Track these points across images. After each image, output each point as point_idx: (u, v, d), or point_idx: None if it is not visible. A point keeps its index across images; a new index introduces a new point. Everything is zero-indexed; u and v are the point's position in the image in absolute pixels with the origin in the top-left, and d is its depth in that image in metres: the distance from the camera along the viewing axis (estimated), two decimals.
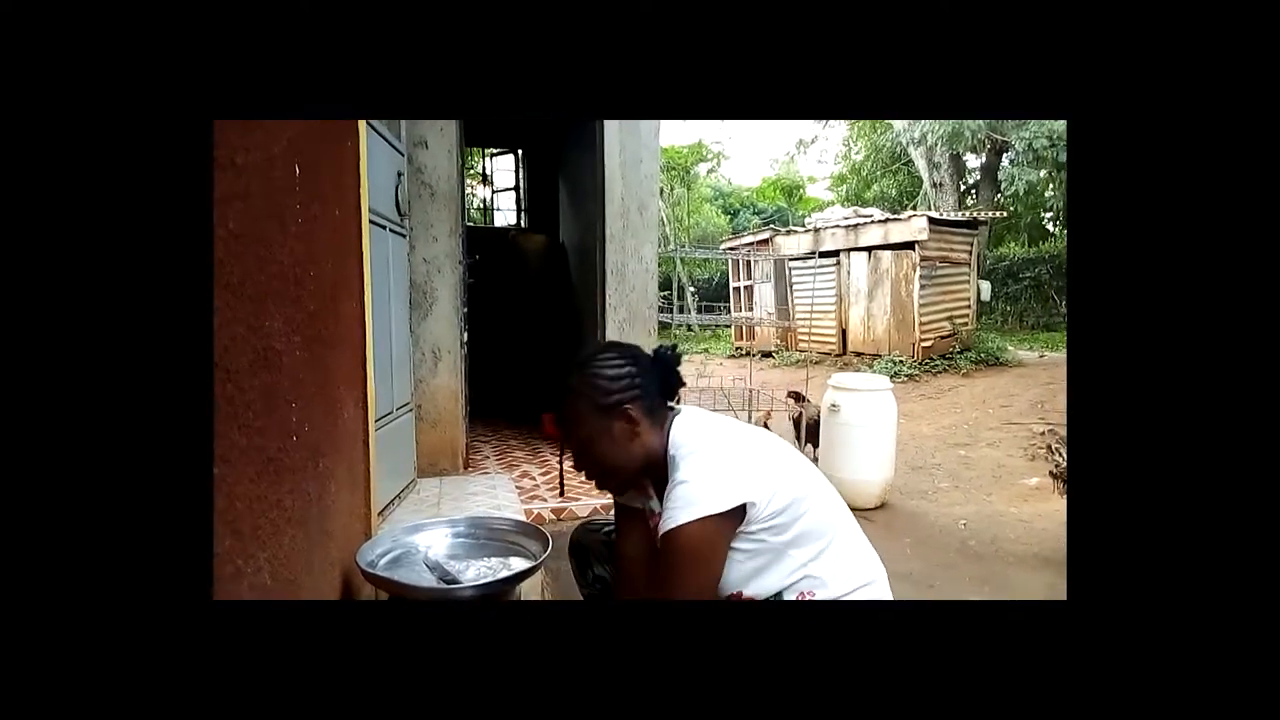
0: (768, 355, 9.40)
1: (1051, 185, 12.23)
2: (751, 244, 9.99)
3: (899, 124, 12.28)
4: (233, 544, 0.88)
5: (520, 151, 6.20)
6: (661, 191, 10.16)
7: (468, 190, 5.61)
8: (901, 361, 7.50)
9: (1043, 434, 4.31)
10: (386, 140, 2.34)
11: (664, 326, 4.62)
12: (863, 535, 1.18)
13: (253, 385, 0.96)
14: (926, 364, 7.45)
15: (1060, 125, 9.24)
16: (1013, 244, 13.74)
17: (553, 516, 2.64)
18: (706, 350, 10.74)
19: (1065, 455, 2.78)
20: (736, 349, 10.22)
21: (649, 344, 3.43)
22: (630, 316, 3.38)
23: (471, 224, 5.48)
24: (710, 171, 19.37)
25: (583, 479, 1.19)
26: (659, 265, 3.78)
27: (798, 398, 3.93)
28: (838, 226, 8.63)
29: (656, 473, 1.15)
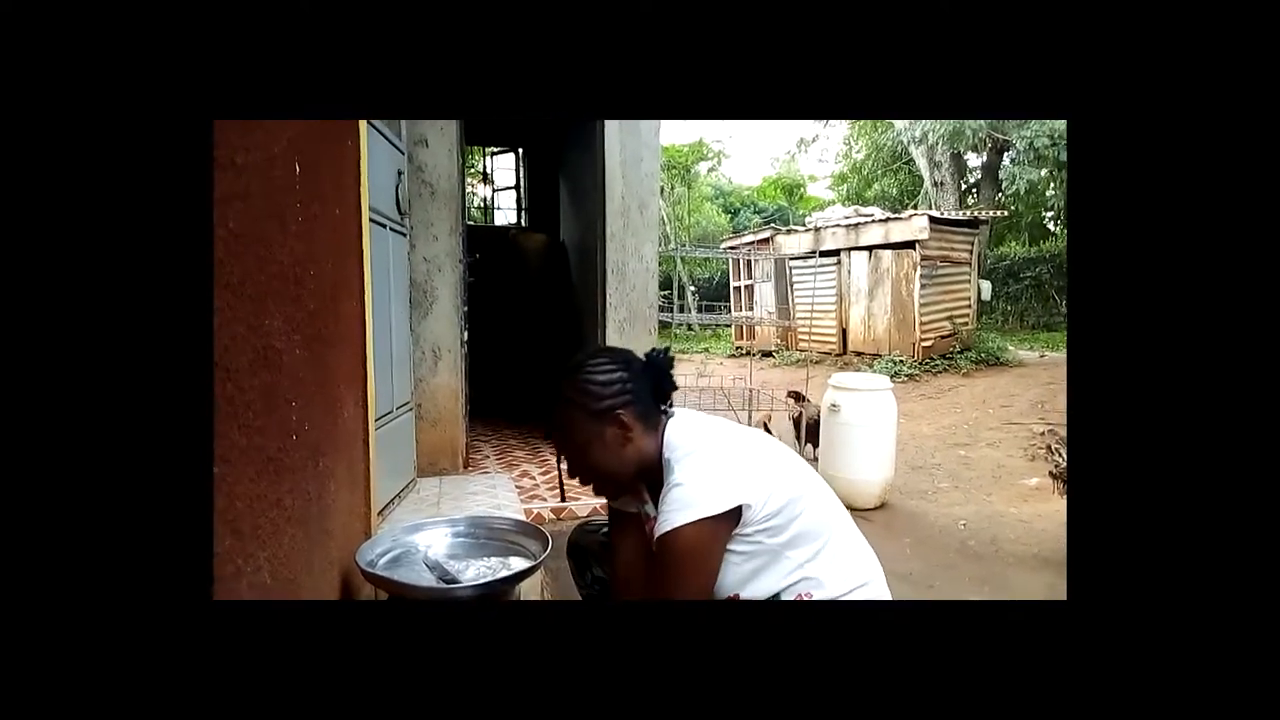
0: (768, 355, 9.40)
1: (1052, 184, 12.23)
2: (752, 243, 9.99)
3: (900, 123, 12.28)
4: (233, 543, 0.88)
5: (520, 150, 6.20)
6: (662, 190, 10.17)
7: (468, 189, 5.61)
8: (902, 361, 7.49)
9: (1043, 434, 4.31)
10: (387, 139, 2.34)
11: (664, 326, 4.62)
12: (860, 535, 1.18)
13: (253, 384, 0.96)
14: (927, 364, 7.45)
15: (1061, 124, 9.23)
16: (1013, 243, 13.73)
17: (552, 516, 2.64)
18: (707, 350, 10.74)
19: (1065, 455, 2.78)
20: (737, 348, 10.22)
21: (649, 343, 3.44)
22: (630, 316, 3.38)
23: (472, 223, 5.48)
24: (711, 170, 19.37)
25: (579, 482, 1.19)
26: (659, 264, 3.78)
27: (798, 397, 3.94)
28: (838, 226, 8.62)
29: (651, 477, 1.14)
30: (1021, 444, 4.47)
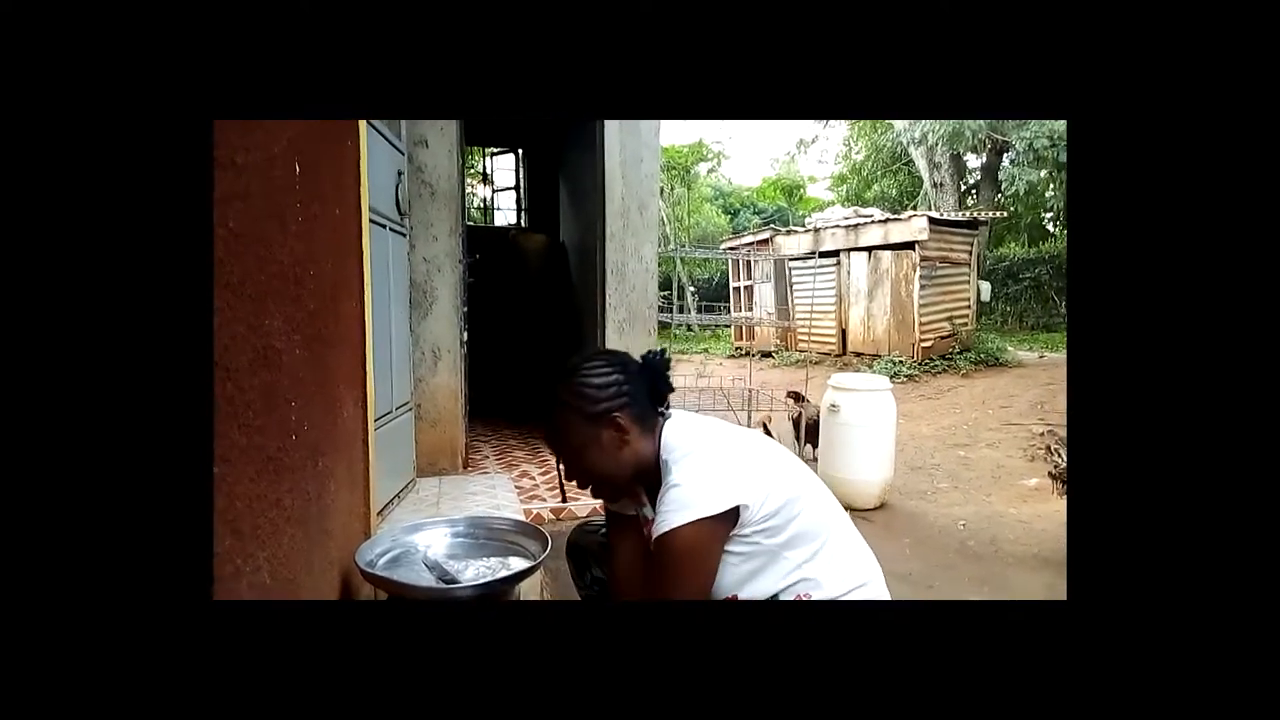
0: (767, 355, 9.40)
1: (1052, 185, 12.23)
2: (751, 244, 9.99)
3: (899, 124, 12.28)
4: (232, 543, 0.88)
5: (520, 151, 6.20)
6: (661, 191, 10.17)
7: (468, 189, 5.61)
8: (901, 362, 7.50)
9: (1042, 435, 4.31)
10: (387, 139, 2.34)
11: (664, 326, 4.62)
12: (858, 535, 1.18)
13: (252, 384, 0.96)
14: (926, 364, 7.45)
15: (1060, 125, 9.24)
16: (1013, 244, 13.74)
17: (552, 516, 2.64)
18: (706, 350, 10.74)
19: (1064, 456, 2.79)
20: (736, 349, 10.22)
21: (648, 344, 3.44)
22: (630, 316, 3.38)
23: (471, 223, 5.47)
24: (710, 171, 19.38)
25: (576, 485, 1.19)
26: (659, 265, 3.78)
27: (797, 398, 3.94)
28: (838, 226, 8.63)
29: (649, 479, 1.14)
30: (1021, 444, 4.48)
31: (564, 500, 1.28)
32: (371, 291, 1.92)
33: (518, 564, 1.46)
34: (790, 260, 8.94)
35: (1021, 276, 11.75)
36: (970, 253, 8.42)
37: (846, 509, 1.20)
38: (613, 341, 3.33)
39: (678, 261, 13.33)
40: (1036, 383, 6.30)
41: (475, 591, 1.30)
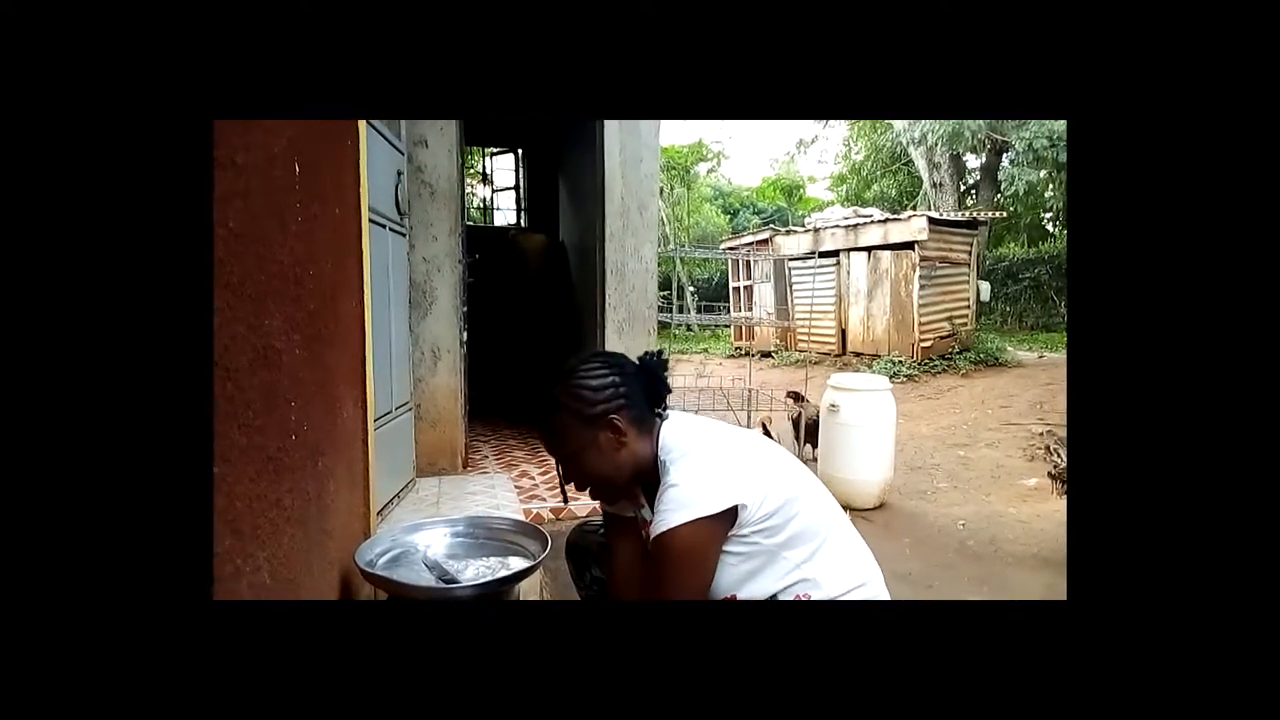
0: (767, 355, 9.41)
1: (1051, 185, 12.23)
2: (751, 244, 9.99)
3: (899, 124, 12.29)
4: (232, 543, 0.88)
5: (520, 151, 6.20)
6: (661, 191, 10.17)
7: (467, 189, 5.61)
8: (901, 362, 7.50)
9: (1041, 435, 4.31)
10: (386, 139, 2.34)
11: (664, 326, 4.62)
12: (857, 536, 1.18)
13: (252, 384, 0.96)
14: (926, 364, 7.45)
15: (1060, 125, 9.24)
16: (1012, 244, 13.75)
17: (551, 516, 2.64)
18: (706, 350, 10.75)
19: (1064, 456, 2.79)
20: (736, 349, 10.23)
21: (648, 344, 3.44)
22: (630, 316, 3.38)
23: (471, 223, 5.48)
24: (710, 171, 19.38)
25: (574, 488, 1.19)
26: (659, 265, 3.78)
27: (797, 398, 3.94)
28: (837, 226, 8.63)
29: (648, 480, 1.14)
30: (1020, 444, 4.48)
31: (565, 502, 1.28)
32: (371, 291, 1.92)
33: (517, 564, 1.46)
34: (790, 260, 8.94)
35: (1021, 276, 11.75)
36: (970, 253, 8.42)
37: (846, 509, 1.21)
38: (612, 341, 3.33)
39: (677, 261, 13.33)
40: (1036, 383, 6.30)
41: (475, 591, 1.31)
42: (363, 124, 1.89)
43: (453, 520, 1.62)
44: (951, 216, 8.62)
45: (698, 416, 1.22)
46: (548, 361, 1.34)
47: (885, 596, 1.15)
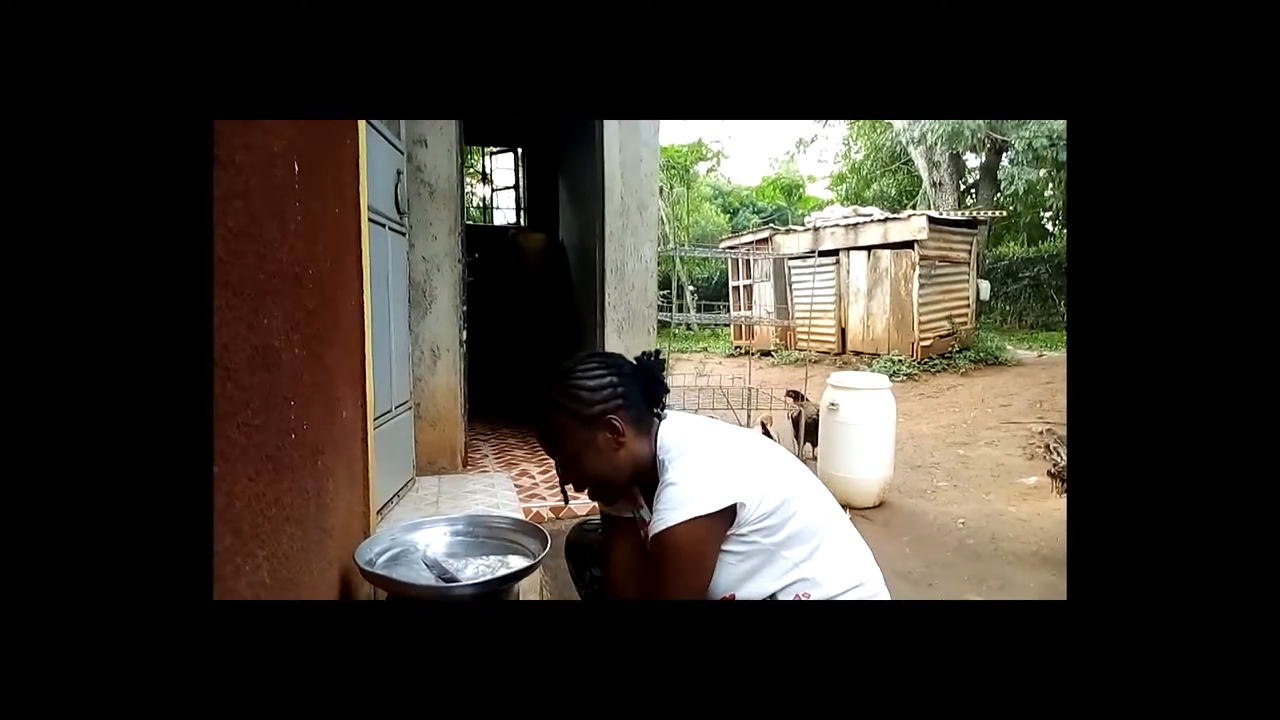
0: (767, 354, 9.41)
1: (1051, 185, 12.23)
2: (751, 243, 9.99)
3: (899, 123, 12.29)
4: (232, 542, 0.88)
5: (520, 150, 6.20)
6: (661, 190, 10.16)
7: (467, 188, 5.61)
8: (900, 360, 7.50)
9: (1041, 433, 4.32)
10: (386, 138, 2.34)
11: (663, 325, 4.62)
12: (856, 535, 1.17)
13: (252, 383, 0.96)
14: (925, 363, 7.45)
15: (1060, 124, 9.24)
16: (1012, 243, 13.74)
17: (551, 515, 2.64)
18: (706, 349, 10.75)
19: (1063, 455, 2.79)
20: (736, 348, 10.22)
21: (648, 343, 3.43)
22: (629, 315, 3.38)
23: (471, 222, 5.48)
24: (710, 170, 19.38)
25: (573, 489, 1.19)
26: (658, 264, 3.78)
27: (797, 396, 3.94)
28: (837, 225, 8.63)
29: (646, 480, 1.14)
30: (1020, 443, 4.48)
31: (565, 501, 1.28)
32: (371, 291, 1.92)
33: (517, 562, 1.46)
34: (789, 259, 8.94)
35: (1020, 275, 11.75)
36: (969, 252, 8.42)
37: (846, 507, 1.21)
38: (612, 340, 3.33)
39: (677, 261, 13.33)
40: (1035, 381, 6.30)
41: (475, 590, 1.31)
42: (362, 123, 1.88)
43: (452, 519, 1.62)
44: (951, 215, 8.62)
45: (696, 416, 1.22)
46: (547, 361, 1.34)
47: (884, 596, 1.15)
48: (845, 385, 3.22)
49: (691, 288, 14.26)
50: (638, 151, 3.34)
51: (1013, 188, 11.06)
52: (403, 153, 2.63)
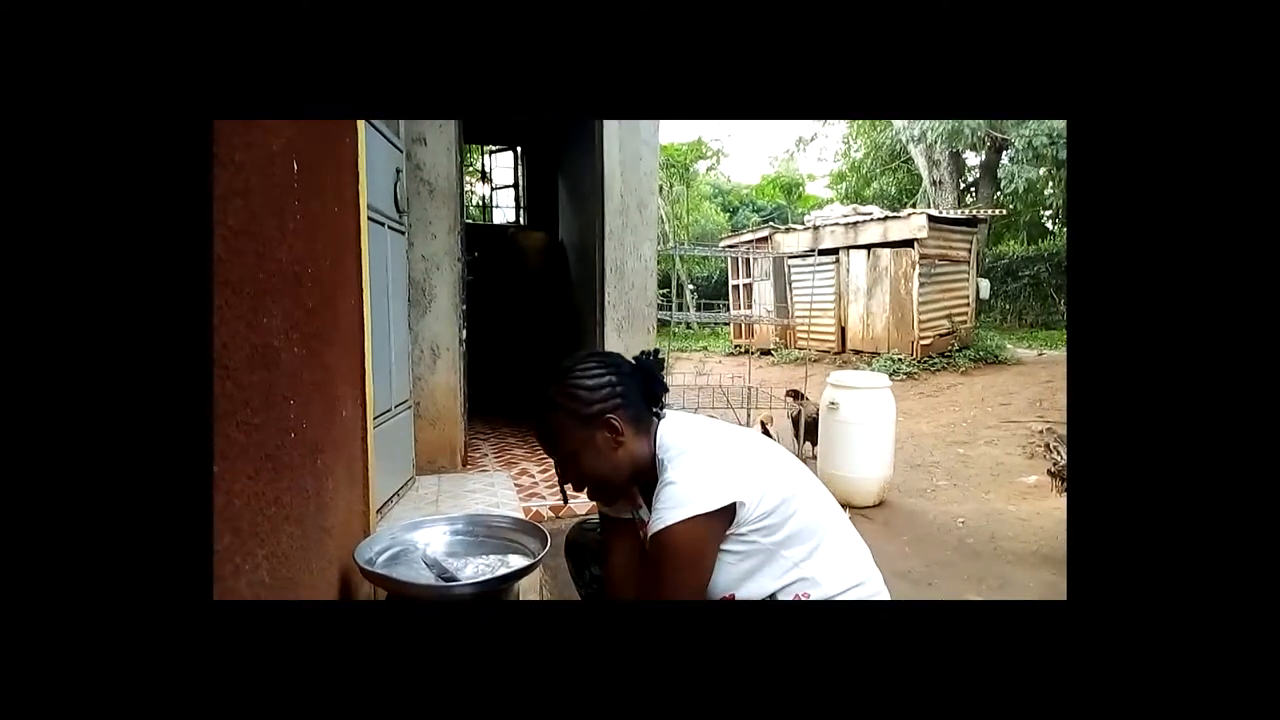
0: (767, 353, 9.41)
1: (1051, 183, 12.23)
2: (750, 242, 9.99)
3: (899, 122, 12.28)
4: (232, 541, 0.88)
5: (519, 149, 6.19)
6: (661, 189, 10.16)
7: (466, 187, 5.61)
8: (900, 359, 7.50)
9: (1041, 432, 4.31)
10: (385, 137, 2.34)
11: (663, 324, 4.62)
12: (855, 534, 1.17)
13: (251, 382, 0.96)
14: (925, 362, 7.45)
15: (1060, 123, 9.23)
16: (1012, 242, 13.73)
17: (551, 514, 2.64)
18: (705, 348, 10.75)
19: (1063, 454, 2.79)
20: (735, 347, 10.22)
21: (647, 342, 3.43)
22: (629, 314, 3.38)
23: (470, 221, 5.47)
24: (710, 169, 19.38)
25: (572, 488, 1.19)
26: (658, 263, 3.78)
27: (796, 395, 3.94)
28: (837, 224, 8.62)
29: (645, 479, 1.14)
30: (1020, 442, 4.48)
31: (565, 501, 1.28)
32: (370, 289, 1.92)
33: (517, 562, 1.46)
34: (789, 258, 8.94)
35: (1020, 274, 11.74)
36: (969, 250, 8.42)
37: (846, 507, 1.21)
38: (611, 339, 3.33)
39: (677, 259, 13.32)
40: (1035, 380, 6.30)
41: (474, 589, 1.31)
42: (361, 122, 1.88)
43: (452, 518, 1.62)
44: (951, 214, 8.62)
45: (695, 415, 1.22)
46: (547, 360, 1.34)
47: (884, 595, 1.15)
48: (845, 384, 3.23)
49: (691, 286, 14.25)
50: (637, 150, 3.34)
51: (1013, 186, 11.06)
52: (402, 151, 2.63)
